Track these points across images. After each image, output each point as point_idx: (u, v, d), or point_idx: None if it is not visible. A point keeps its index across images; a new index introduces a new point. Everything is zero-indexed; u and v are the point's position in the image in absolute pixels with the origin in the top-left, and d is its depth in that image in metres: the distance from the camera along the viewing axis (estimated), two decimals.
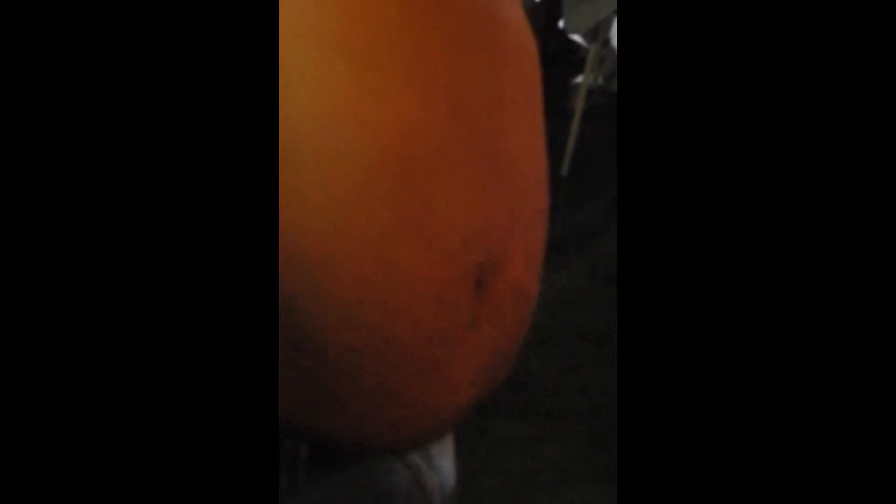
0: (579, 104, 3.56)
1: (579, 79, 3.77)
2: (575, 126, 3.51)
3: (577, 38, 4.12)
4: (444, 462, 0.76)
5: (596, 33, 3.72)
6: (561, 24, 3.84)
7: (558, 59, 4.07)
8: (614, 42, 4.13)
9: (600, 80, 4.12)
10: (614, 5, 3.44)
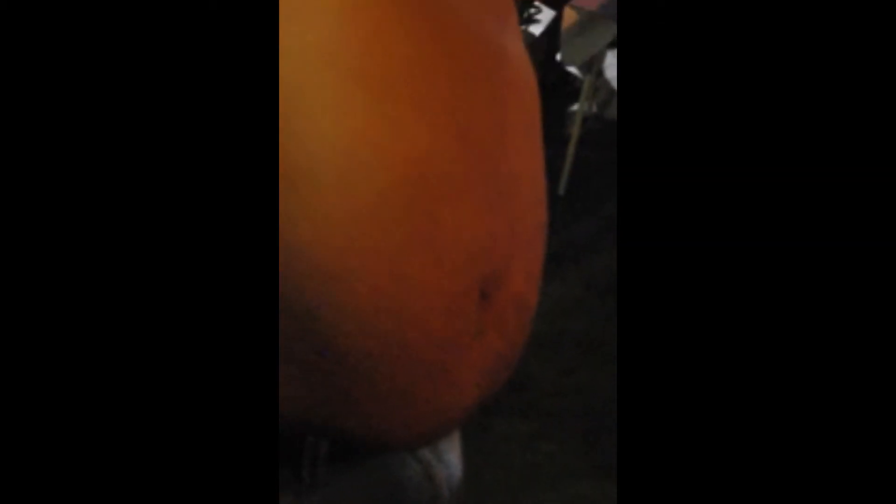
0: (575, 130, 3.56)
1: (575, 107, 3.78)
2: (571, 150, 3.51)
3: (573, 70, 4.12)
4: (451, 457, 0.76)
5: (590, 66, 3.72)
6: (558, 57, 3.84)
7: (556, 89, 4.07)
8: (607, 73, 4.13)
9: (594, 109, 4.12)
10: (607, 40, 3.44)
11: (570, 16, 3.40)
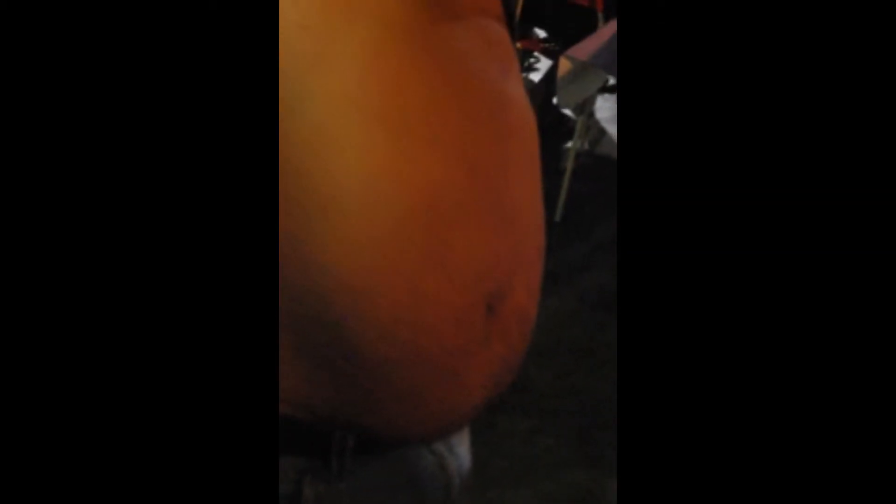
0: (569, 165, 3.56)
1: (569, 144, 3.77)
2: (566, 182, 3.50)
3: (567, 112, 4.13)
4: (461, 449, 0.76)
5: (582, 108, 3.72)
6: (555, 101, 3.84)
7: (552, 129, 4.07)
8: (597, 115, 4.13)
9: (586, 146, 4.12)
10: (597, 86, 3.45)
11: (564, 65, 3.40)
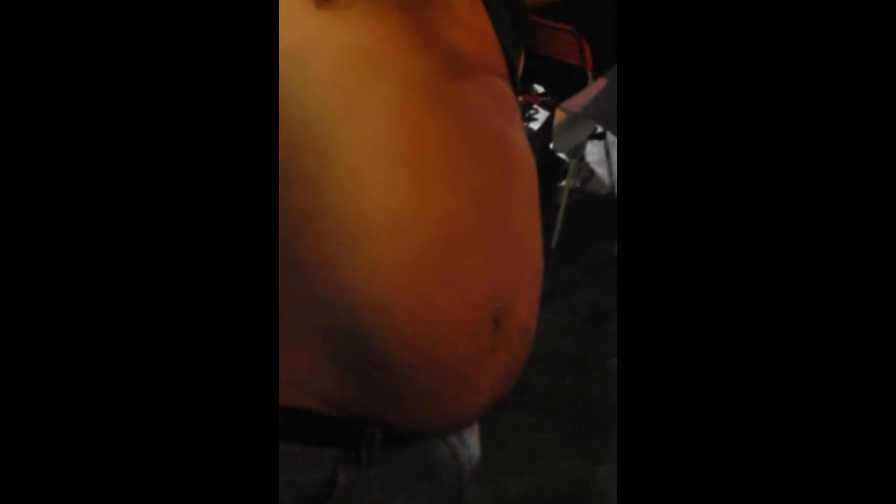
0: (563, 200, 3.56)
1: (563, 183, 3.78)
2: (560, 214, 3.50)
3: (562, 155, 4.13)
4: (472, 442, 0.75)
5: (575, 152, 3.72)
6: (551, 146, 3.84)
7: (549, 170, 4.07)
8: (587, 158, 4.13)
9: (578, 184, 4.12)
10: (588, 133, 3.44)
11: (559, 115, 3.39)
